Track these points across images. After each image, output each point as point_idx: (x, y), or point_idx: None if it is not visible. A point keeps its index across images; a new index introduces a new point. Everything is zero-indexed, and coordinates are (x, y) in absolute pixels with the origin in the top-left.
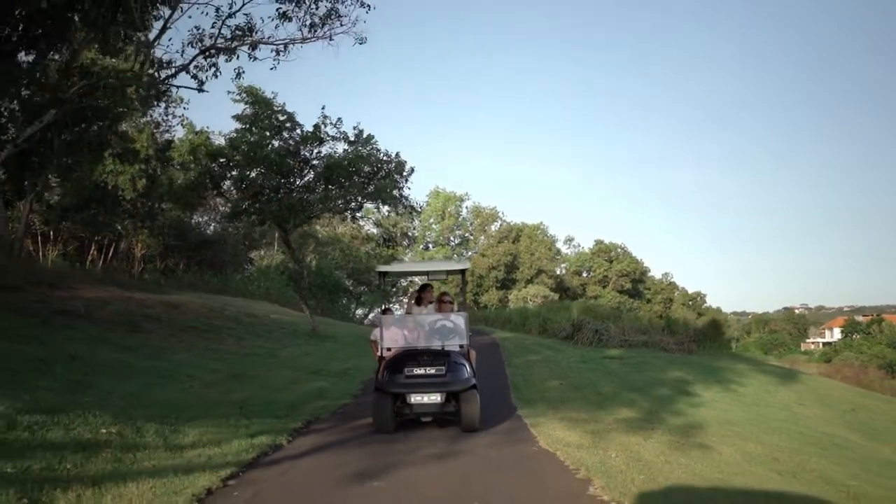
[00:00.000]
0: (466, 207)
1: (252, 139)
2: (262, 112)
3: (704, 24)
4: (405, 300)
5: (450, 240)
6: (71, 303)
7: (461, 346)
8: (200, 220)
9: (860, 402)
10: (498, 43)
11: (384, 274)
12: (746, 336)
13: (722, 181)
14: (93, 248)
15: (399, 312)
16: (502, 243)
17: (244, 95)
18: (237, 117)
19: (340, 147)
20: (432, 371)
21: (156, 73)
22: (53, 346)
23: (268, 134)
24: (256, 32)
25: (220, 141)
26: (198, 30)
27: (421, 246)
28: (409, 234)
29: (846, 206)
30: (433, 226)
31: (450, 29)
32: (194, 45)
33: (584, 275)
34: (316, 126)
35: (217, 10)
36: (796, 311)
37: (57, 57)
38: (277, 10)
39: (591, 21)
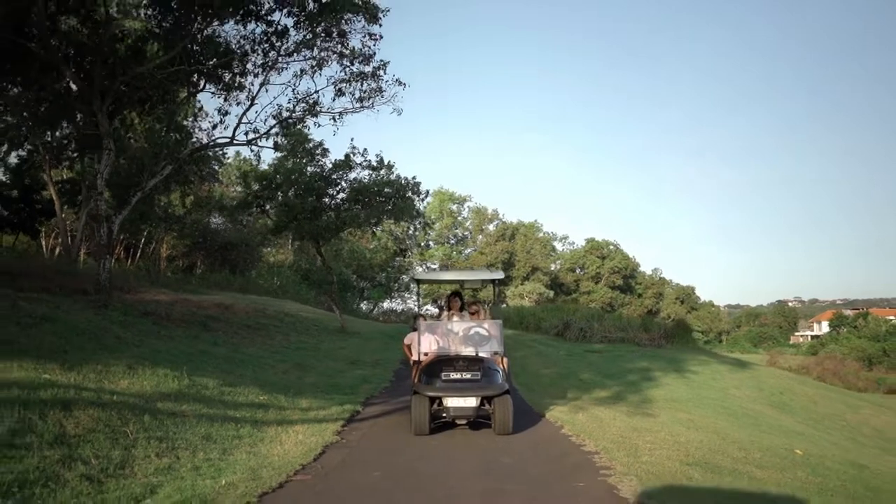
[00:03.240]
0: (468, 207)
1: (290, 165)
2: (297, 142)
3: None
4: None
5: (449, 238)
6: (149, 306)
7: (495, 354)
8: (218, 221)
9: (791, 387)
10: (494, 40)
11: (419, 281)
12: (737, 329)
13: (720, 175)
14: (119, 248)
15: (444, 314)
16: (499, 242)
17: (272, 117)
18: (276, 147)
19: (365, 173)
20: (468, 376)
21: (246, 137)
22: (184, 343)
23: (304, 161)
24: (319, 105)
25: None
26: (279, 106)
27: (422, 243)
28: (411, 234)
29: (844, 200)
30: (434, 224)
31: (444, 27)
32: (275, 117)
33: (578, 271)
34: (347, 156)
35: (294, 91)
36: (790, 304)
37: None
38: (335, 86)
39: (590, 16)
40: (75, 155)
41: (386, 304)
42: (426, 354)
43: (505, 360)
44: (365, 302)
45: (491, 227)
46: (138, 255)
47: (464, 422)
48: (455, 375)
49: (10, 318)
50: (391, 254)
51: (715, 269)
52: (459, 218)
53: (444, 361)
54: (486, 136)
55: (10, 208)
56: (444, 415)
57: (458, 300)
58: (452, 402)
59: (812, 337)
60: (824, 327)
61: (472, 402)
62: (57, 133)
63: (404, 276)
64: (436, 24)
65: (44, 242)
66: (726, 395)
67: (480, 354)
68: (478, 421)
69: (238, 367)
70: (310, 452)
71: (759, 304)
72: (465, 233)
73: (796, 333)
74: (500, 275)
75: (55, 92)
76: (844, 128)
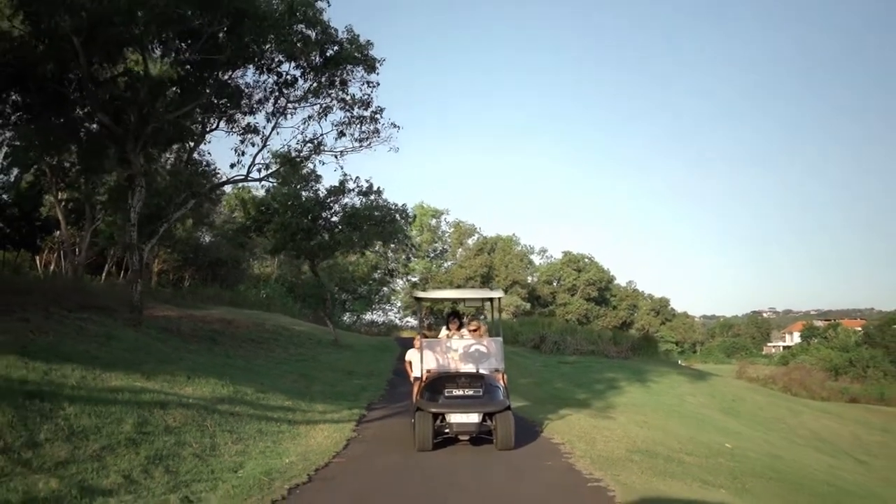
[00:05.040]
0: (446, 220)
1: (285, 190)
2: (291, 170)
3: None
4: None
5: (429, 252)
6: (161, 322)
7: (495, 371)
8: (206, 235)
9: (742, 395)
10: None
11: (419, 299)
12: (711, 340)
13: (698, 186)
14: (109, 262)
15: (443, 332)
16: (479, 256)
17: (277, 159)
18: (273, 174)
19: (358, 199)
20: (470, 392)
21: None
22: (207, 356)
23: (298, 187)
24: (323, 146)
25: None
26: (288, 147)
27: (403, 256)
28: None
29: (821, 211)
30: (415, 239)
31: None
32: (285, 156)
33: (555, 284)
34: (341, 182)
35: (302, 133)
36: (764, 315)
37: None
38: (337, 129)
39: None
40: (80, 177)
41: (367, 316)
42: (429, 371)
43: (504, 376)
44: (348, 314)
45: (470, 242)
46: (129, 270)
47: (466, 438)
48: (457, 392)
49: (83, 337)
50: (372, 267)
51: (692, 280)
52: (438, 232)
53: (446, 378)
54: (462, 145)
55: (12, 226)
56: (447, 430)
57: (457, 319)
58: (455, 418)
59: (784, 347)
60: (796, 338)
61: (474, 418)
62: (63, 157)
63: (385, 289)
64: (405, 31)
65: (37, 259)
66: (682, 402)
67: (481, 371)
68: (479, 437)
69: (256, 376)
70: (338, 444)
71: (734, 315)
72: (445, 247)
73: (769, 344)
74: (499, 293)
75: (88, 132)
76: (821, 141)
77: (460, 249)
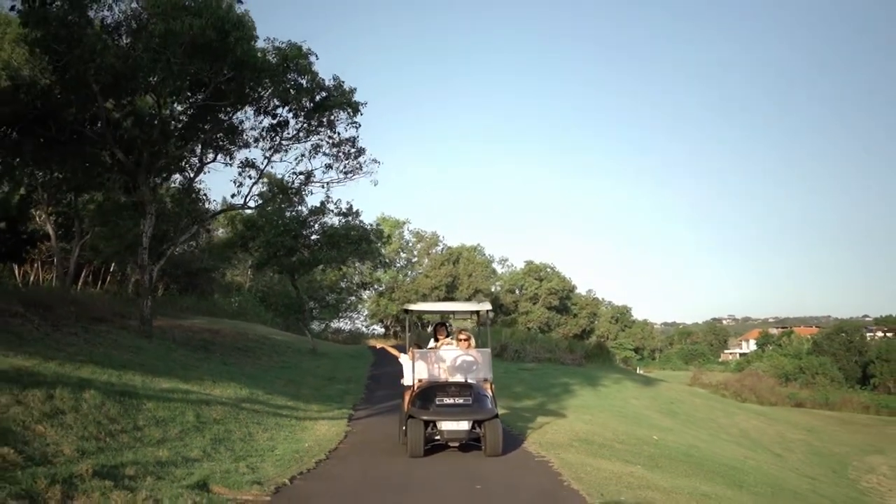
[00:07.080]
0: (409, 230)
1: (269, 209)
2: (278, 191)
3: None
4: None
5: (395, 262)
6: (157, 332)
7: (484, 380)
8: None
9: (682, 398)
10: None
11: (408, 311)
12: (670, 347)
13: (660, 195)
14: (86, 272)
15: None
16: (444, 266)
17: (266, 180)
18: (261, 195)
19: (336, 220)
20: (460, 401)
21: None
22: (208, 363)
23: (283, 206)
24: (312, 177)
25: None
26: (281, 179)
27: (372, 266)
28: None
29: (781, 221)
30: (381, 250)
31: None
32: (279, 186)
33: (517, 293)
34: (322, 203)
35: (294, 169)
36: (723, 322)
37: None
38: (324, 164)
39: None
40: (70, 195)
41: (334, 324)
42: (420, 381)
43: (492, 385)
44: (316, 322)
45: (435, 251)
46: (107, 279)
47: (456, 444)
48: (448, 400)
49: (121, 348)
50: (341, 276)
51: (654, 288)
52: (403, 242)
53: (437, 387)
54: (427, 153)
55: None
56: (438, 437)
57: (445, 329)
58: (446, 425)
59: (741, 354)
60: (752, 345)
61: (464, 425)
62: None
63: (352, 297)
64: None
65: (17, 270)
66: (626, 403)
67: (469, 380)
68: (468, 443)
69: (254, 381)
70: (339, 435)
71: (694, 322)
72: (411, 257)
73: (726, 351)
74: (487, 306)
75: (101, 163)
76: (787, 152)
77: (427, 259)
